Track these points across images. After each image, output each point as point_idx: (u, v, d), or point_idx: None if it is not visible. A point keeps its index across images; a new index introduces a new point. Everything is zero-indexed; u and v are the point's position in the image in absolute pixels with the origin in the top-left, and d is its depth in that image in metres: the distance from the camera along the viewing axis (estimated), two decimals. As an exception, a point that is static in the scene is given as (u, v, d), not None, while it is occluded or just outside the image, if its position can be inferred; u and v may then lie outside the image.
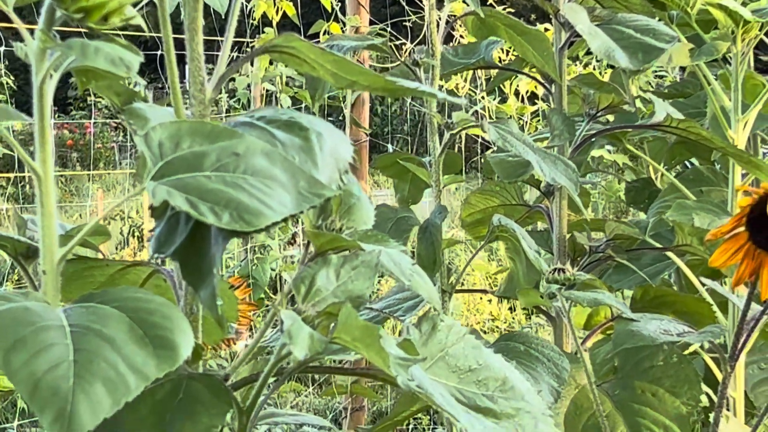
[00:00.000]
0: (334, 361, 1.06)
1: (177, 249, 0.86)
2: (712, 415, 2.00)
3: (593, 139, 2.18)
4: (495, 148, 2.05)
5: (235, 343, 1.16)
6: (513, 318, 7.03)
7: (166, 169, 0.83)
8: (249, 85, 5.62)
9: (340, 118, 4.52)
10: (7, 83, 5.41)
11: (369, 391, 3.26)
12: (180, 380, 0.91)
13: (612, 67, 4.62)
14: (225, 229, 0.81)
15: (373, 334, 0.85)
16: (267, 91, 5.58)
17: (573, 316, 1.84)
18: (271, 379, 0.98)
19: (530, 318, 6.97)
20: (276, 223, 0.82)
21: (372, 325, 0.85)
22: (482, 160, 7.69)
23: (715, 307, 2.06)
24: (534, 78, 2.24)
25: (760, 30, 2.06)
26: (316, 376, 5.75)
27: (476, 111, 5.80)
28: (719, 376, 1.89)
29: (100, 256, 1.08)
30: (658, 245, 2.17)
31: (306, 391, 5.12)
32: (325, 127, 0.92)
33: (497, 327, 6.81)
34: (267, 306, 5.28)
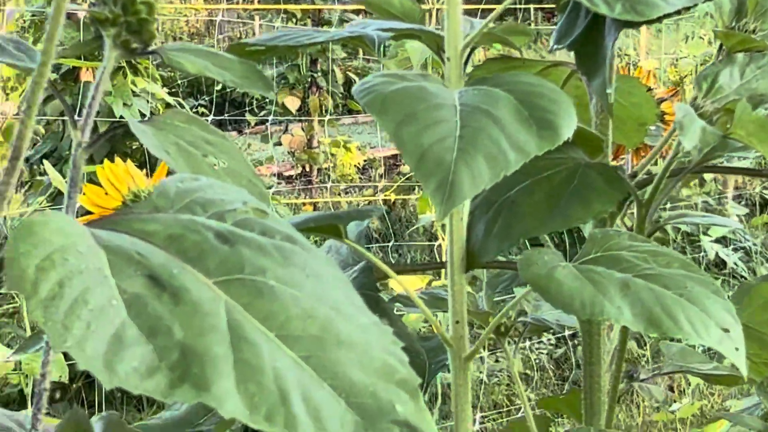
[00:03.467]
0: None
1: (574, 40, 0.89)
2: None
3: None
4: None
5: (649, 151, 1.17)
6: None
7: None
8: None
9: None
10: None
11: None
12: (576, 168, 0.94)
13: None
14: (618, 20, 0.83)
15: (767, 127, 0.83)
16: None
17: None
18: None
19: None
20: (668, 15, 0.82)
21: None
22: None
23: None
24: None
25: None
26: None
27: None
28: None
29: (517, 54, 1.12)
30: None
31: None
32: None
33: None
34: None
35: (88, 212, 1.09)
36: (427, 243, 5.62)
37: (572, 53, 0.93)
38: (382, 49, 0.95)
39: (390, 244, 5.04)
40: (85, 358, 0.51)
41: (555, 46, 0.93)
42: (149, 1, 0.77)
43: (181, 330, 0.54)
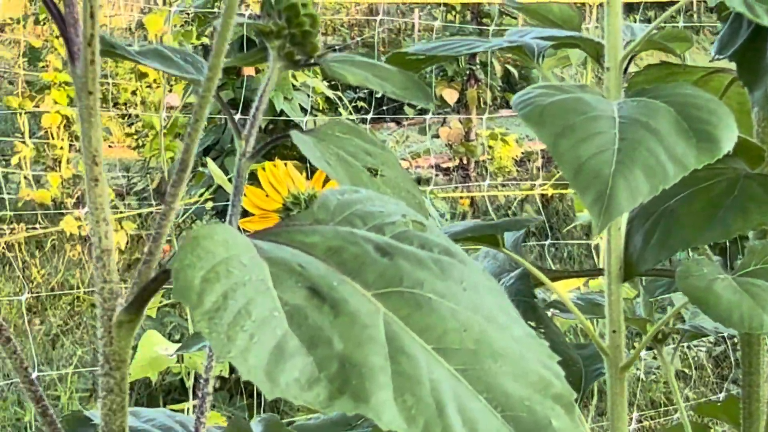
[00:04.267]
0: None
1: (735, 50, 0.88)
2: None
3: None
4: None
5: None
6: None
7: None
8: None
9: None
10: None
11: None
12: (736, 178, 0.93)
13: None
14: (779, 31, 0.82)
15: None
16: None
17: None
18: None
19: None
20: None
21: None
22: None
23: None
24: None
25: None
26: None
27: None
28: None
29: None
30: None
31: None
32: None
33: None
34: None
35: (247, 213, 1.12)
36: (584, 241, 5.56)
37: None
38: (541, 58, 0.95)
39: (547, 242, 5.00)
40: (248, 368, 0.52)
41: (716, 56, 0.92)
42: (313, 13, 0.78)
43: (340, 341, 0.55)
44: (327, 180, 1.12)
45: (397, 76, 0.79)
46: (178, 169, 0.68)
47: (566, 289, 1.63)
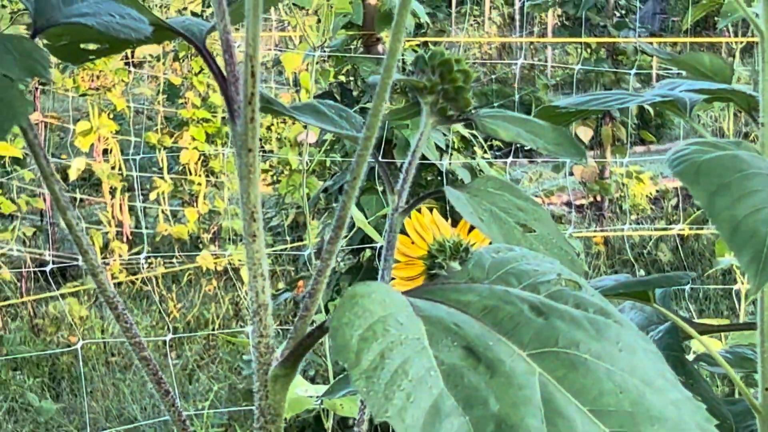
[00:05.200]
0: None
1: None
2: None
3: None
4: None
5: None
6: None
7: None
8: None
9: None
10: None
11: None
12: None
13: None
14: None
15: None
16: None
17: None
18: None
19: None
20: None
21: None
22: None
23: None
24: None
25: None
26: None
27: None
28: None
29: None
30: None
31: None
32: None
33: None
34: None
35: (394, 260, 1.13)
36: (727, 286, 5.44)
37: None
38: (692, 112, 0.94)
39: (687, 287, 4.92)
40: (404, 427, 0.53)
41: None
42: (465, 69, 0.79)
43: (496, 402, 0.55)
44: (472, 227, 1.13)
45: (549, 132, 0.79)
46: (335, 226, 0.69)
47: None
